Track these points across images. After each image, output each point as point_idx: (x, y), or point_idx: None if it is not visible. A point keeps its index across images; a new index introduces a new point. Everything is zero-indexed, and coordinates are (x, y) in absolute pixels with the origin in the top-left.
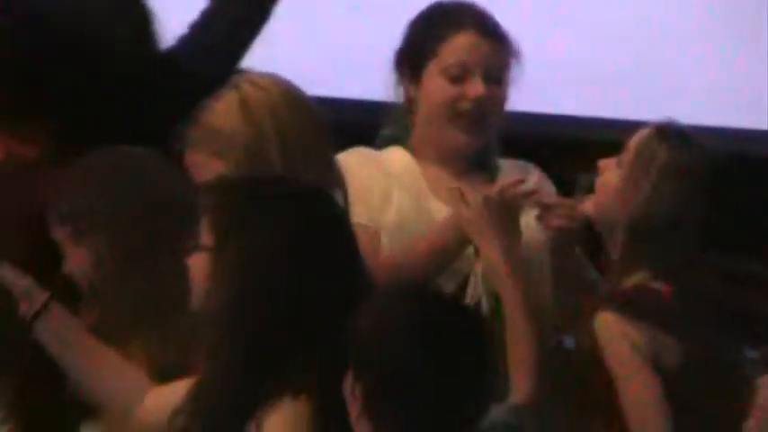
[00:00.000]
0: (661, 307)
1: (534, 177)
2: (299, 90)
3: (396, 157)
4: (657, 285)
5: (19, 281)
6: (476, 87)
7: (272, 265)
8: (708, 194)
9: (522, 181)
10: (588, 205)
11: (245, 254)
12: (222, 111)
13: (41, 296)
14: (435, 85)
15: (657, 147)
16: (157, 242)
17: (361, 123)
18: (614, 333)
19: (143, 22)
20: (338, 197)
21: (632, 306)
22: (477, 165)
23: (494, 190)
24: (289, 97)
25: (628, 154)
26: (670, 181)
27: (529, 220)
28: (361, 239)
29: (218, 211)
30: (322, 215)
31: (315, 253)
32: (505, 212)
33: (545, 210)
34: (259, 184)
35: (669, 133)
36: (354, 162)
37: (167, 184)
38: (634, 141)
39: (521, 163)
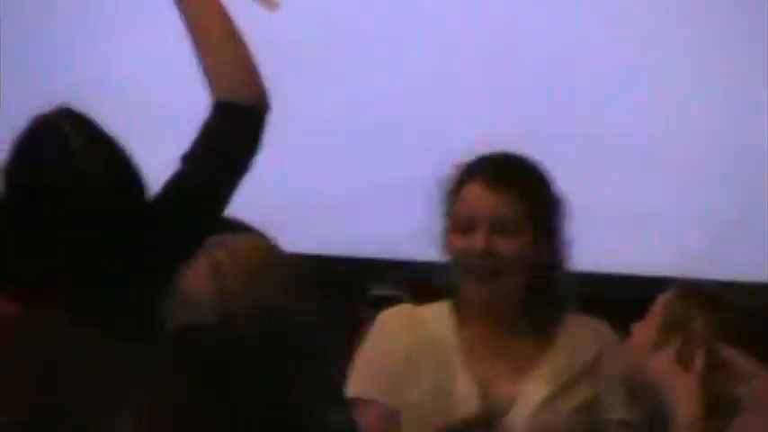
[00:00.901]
0: None
1: (603, 339)
2: (278, 250)
3: (436, 317)
4: None
5: None
6: (477, 240)
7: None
8: None
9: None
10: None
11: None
12: (193, 279)
13: None
14: (450, 239)
15: (685, 311)
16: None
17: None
18: None
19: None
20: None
21: None
22: (534, 323)
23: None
24: (265, 259)
25: (654, 317)
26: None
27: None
28: (368, 418)
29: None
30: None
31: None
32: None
33: None
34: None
35: (696, 295)
36: (390, 327)
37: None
38: (660, 305)
39: (591, 322)
